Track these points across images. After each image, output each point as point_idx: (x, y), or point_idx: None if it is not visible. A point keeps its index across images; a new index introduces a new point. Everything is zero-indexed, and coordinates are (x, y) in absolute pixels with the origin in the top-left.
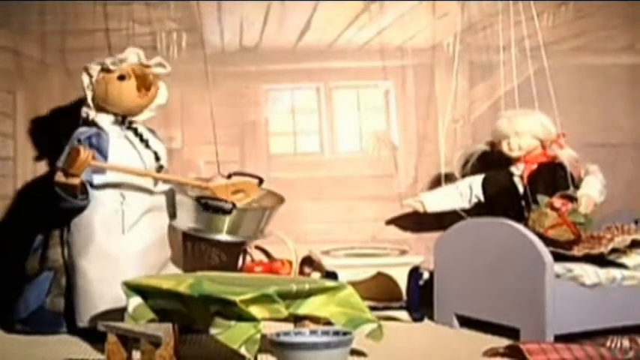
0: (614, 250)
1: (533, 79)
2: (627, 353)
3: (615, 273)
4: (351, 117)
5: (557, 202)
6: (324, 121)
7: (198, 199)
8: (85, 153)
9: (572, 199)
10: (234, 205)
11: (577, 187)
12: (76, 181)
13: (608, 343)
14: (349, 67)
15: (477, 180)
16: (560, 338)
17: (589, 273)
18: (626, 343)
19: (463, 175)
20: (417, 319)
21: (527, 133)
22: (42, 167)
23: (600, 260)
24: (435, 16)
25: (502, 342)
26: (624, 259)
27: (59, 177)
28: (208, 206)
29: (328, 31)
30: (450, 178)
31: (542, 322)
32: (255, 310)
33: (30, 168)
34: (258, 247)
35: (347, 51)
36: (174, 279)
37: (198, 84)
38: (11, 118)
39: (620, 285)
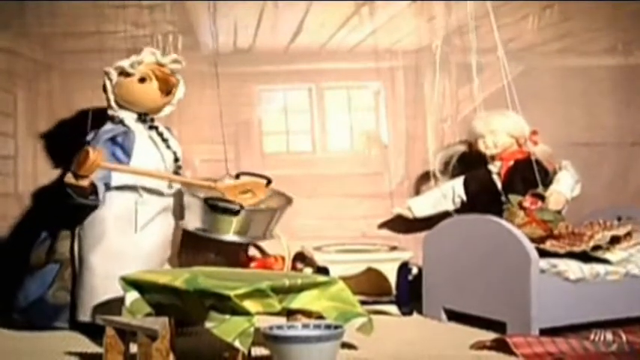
0: (597, 247)
1: (519, 80)
2: (610, 346)
3: (599, 268)
4: (342, 117)
5: (526, 201)
6: (315, 121)
7: (206, 200)
8: (94, 154)
9: (542, 197)
10: (241, 206)
11: (551, 181)
12: (85, 182)
13: (592, 337)
14: (340, 69)
15: (459, 181)
16: (545, 332)
17: (573, 268)
18: (609, 336)
19: (445, 176)
20: (406, 313)
21: (501, 131)
22: (42, 166)
23: (584, 256)
24: (423, 19)
25: (489, 335)
26: (608, 255)
27: (68, 178)
28: (217, 207)
29: (320, 33)
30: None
31: (527, 316)
32: (248, 305)
33: (30, 166)
34: (252, 244)
35: (338, 53)
36: (171, 274)
37: (194, 84)
38: (11, 118)
39: (603, 280)
